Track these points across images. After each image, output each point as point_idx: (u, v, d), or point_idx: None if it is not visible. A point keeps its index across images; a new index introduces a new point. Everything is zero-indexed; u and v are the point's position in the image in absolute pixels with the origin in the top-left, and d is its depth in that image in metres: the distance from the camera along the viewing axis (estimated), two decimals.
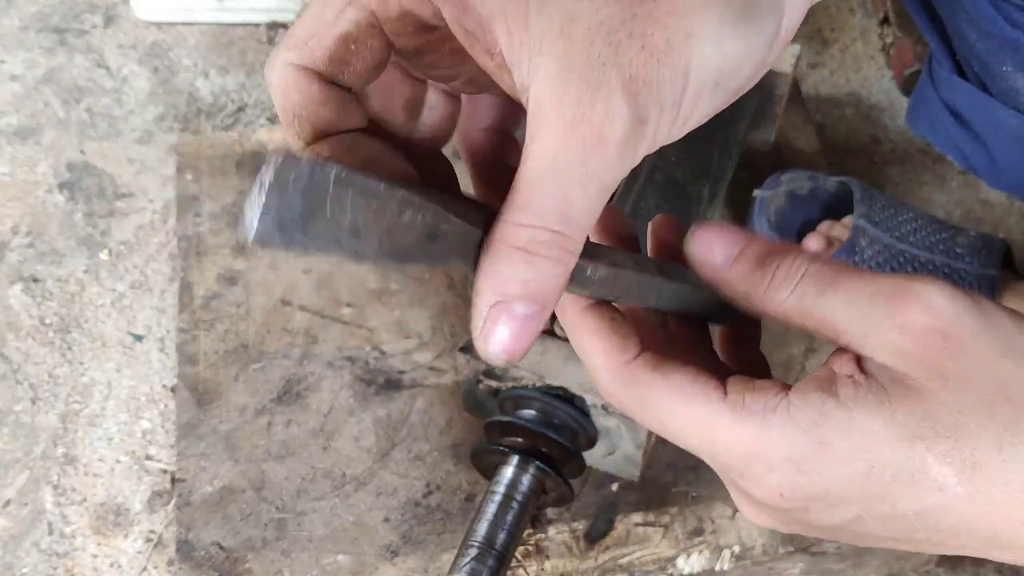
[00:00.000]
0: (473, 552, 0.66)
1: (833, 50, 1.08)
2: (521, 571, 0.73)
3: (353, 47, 0.32)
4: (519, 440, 0.69)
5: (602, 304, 0.36)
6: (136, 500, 0.82)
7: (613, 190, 0.31)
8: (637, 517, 0.74)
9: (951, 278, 0.79)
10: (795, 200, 0.85)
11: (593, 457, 0.73)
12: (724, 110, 0.85)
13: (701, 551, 0.73)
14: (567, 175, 0.29)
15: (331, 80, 0.33)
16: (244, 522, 0.76)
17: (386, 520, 0.76)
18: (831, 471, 0.32)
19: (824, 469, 0.32)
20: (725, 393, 0.34)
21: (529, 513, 0.69)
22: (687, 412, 0.34)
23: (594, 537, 0.74)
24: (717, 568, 0.73)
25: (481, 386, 0.72)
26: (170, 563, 0.79)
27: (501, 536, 0.67)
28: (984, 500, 0.32)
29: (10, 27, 1.11)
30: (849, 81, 1.06)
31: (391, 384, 0.81)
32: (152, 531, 0.81)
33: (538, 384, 0.69)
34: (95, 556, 0.80)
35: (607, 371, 0.35)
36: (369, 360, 0.83)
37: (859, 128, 1.02)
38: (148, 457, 0.84)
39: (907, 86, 1.03)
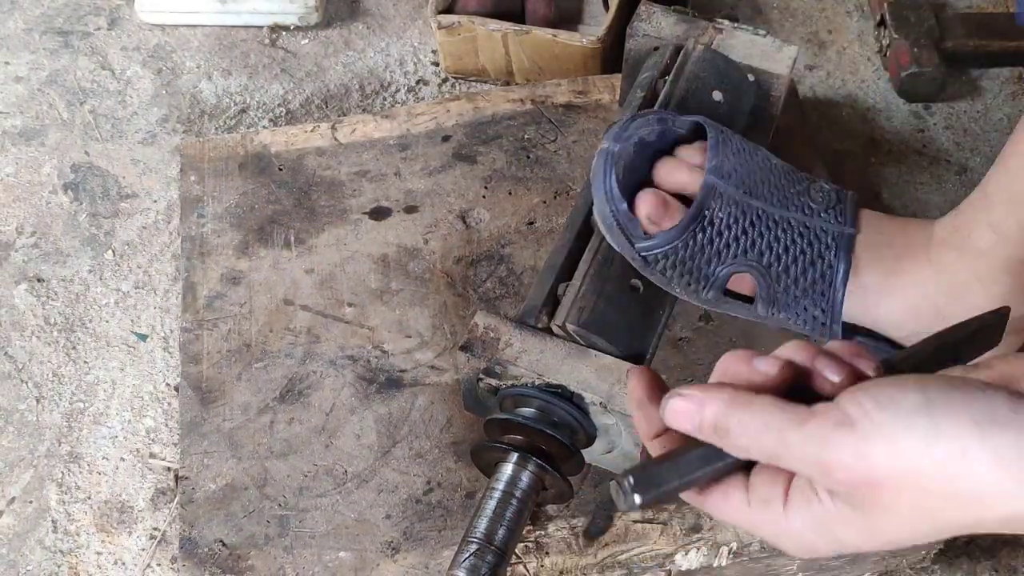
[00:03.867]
0: (473, 548, 0.67)
1: (830, 52, 1.09)
2: (521, 568, 0.74)
3: None
4: (518, 437, 0.70)
5: None
6: (140, 498, 0.83)
7: None
8: (635, 514, 0.75)
9: (806, 237, 0.73)
10: (644, 148, 0.74)
11: (592, 455, 0.74)
12: (720, 112, 0.85)
13: (699, 548, 0.74)
14: None
15: None
16: (247, 519, 0.76)
17: (387, 517, 0.76)
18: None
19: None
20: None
21: (529, 510, 0.70)
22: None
23: (593, 534, 0.75)
24: (715, 564, 0.74)
25: (481, 384, 0.72)
26: (173, 560, 0.79)
27: (501, 532, 0.67)
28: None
29: (14, 29, 1.12)
30: (846, 83, 1.07)
31: (392, 383, 0.82)
32: (156, 528, 0.81)
33: (537, 382, 0.70)
34: (99, 553, 0.80)
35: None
36: (370, 359, 0.83)
37: (856, 130, 1.03)
38: (152, 455, 0.85)
39: (904, 88, 1.03)
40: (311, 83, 1.07)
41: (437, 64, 1.08)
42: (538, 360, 0.70)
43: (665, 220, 0.72)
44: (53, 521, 0.82)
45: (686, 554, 0.73)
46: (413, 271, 0.88)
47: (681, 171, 0.74)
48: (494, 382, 0.71)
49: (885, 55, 1.06)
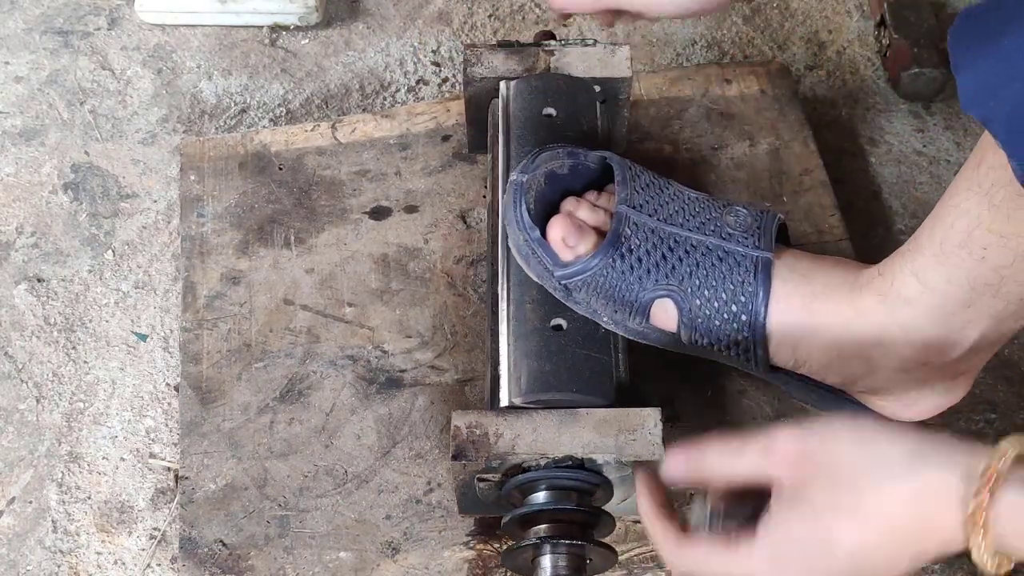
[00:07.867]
0: None
1: (830, 52, 1.09)
2: None
3: None
4: (542, 527, 0.68)
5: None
6: (140, 498, 0.83)
7: None
8: (635, 514, 0.75)
9: (726, 261, 0.72)
10: (555, 179, 0.75)
11: (609, 506, 0.72)
12: (557, 124, 0.89)
13: None
14: None
15: None
16: (247, 519, 0.77)
17: (387, 517, 0.77)
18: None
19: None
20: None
21: None
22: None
23: None
24: None
25: (482, 485, 0.70)
26: (173, 560, 0.79)
27: None
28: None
29: (14, 29, 1.12)
30: (846, 83, 1.07)
31: (392, 383, 0.82)
32: (156, 528, 0.81)
33: (542, 463, 0.67)
34: (99, 553, 0.80)
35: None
36: (371, 359, 0.83)
37: (856, 130, 1.03)
38: (152, 455, 0.85)
39: (904, 88, 1.03)
40: (311, 83, 1.07)
41: (437, 64, 1.08)
42: (534, 440, 0.68)
43: (580, 244, 0.72)
44: (53, 521, 0.82)
45: None
46: (413, 271, 0.88)
47: (587, 208, 0.74)
48: (494, 477, 0.69)
49: (885, 55, 1.06)
